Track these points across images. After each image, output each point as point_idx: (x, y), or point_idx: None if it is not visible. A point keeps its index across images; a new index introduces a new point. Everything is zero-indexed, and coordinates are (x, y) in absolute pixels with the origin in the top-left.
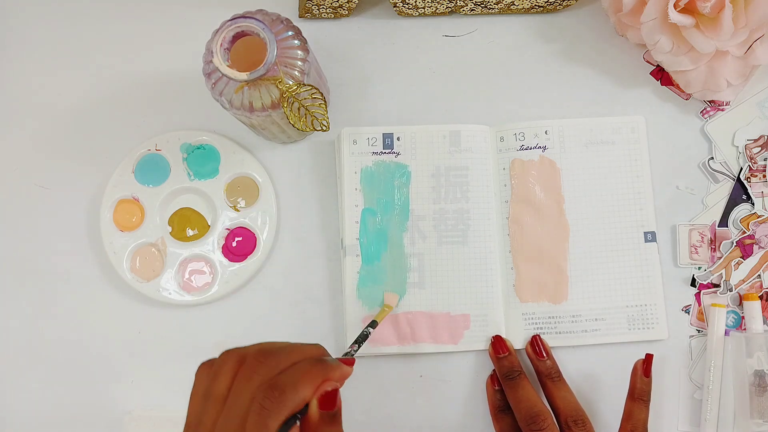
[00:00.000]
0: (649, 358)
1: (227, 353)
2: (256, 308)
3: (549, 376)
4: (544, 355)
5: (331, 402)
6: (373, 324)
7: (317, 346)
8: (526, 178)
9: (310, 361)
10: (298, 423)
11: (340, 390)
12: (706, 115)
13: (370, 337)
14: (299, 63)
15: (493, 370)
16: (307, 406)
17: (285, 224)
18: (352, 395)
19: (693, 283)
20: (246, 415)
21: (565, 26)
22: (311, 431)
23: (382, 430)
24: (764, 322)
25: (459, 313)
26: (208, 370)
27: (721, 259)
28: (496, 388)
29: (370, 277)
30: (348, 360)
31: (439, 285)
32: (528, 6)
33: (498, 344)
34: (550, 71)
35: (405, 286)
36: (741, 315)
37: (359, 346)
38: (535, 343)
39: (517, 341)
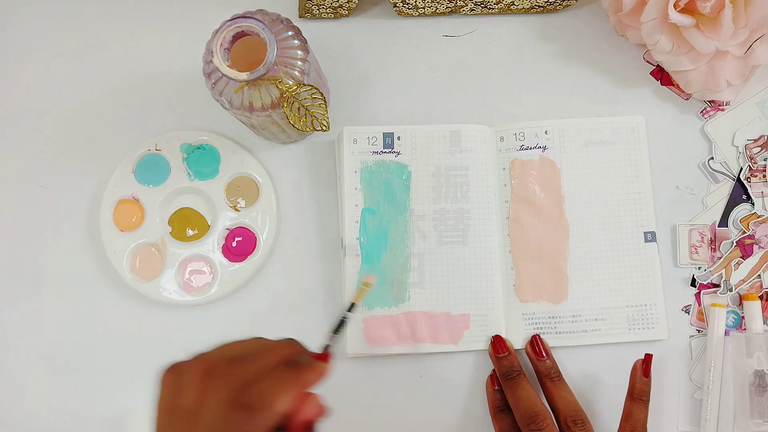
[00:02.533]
0: (648, 358)
1: (192, 363)
2: (256, 308)
3: (548, 376)
4: (544, 355)
5: (308, 426)
6: (351, 307)
7: (290, 342)
8: (526, 178)
9: (282, 368)
10: None
11: (328, 391)
12: (706, 115)
13: (368, 336)
14: (299, 63)
15: (493, 370)
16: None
17: (285, 224)
18: (352, 395)
19: (693, 283)
20: None
21: (565, 26)
22: None
23: (382, 430)
24: (764, 322)
25: (459, 313)
26: (172, 378)
27: (721, 259)
28: (496, 387)
29: None
30: (323, 355)
31: (439, 285)
32: (528, 6)
33: (498, 344)
34: (550, 71)
35: (405, 286)
36: (741, 315)
37: (338, 335)
38: (535, 343)
39: (517, 341)
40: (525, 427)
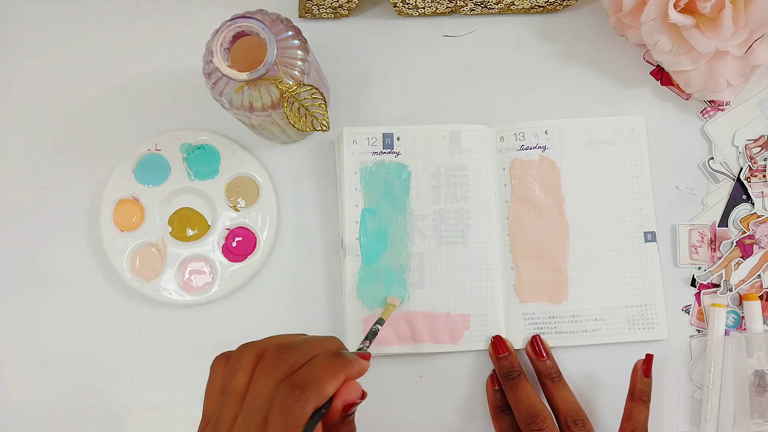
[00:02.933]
0: (649, 358)
1: (245, 348)
2: (256, 308)
3: (549, 376)
4: (544, 355)
5: (352, 407)
6: (381, 321)
7: (334, 339)
8: (526, 178)
9: (329, 355)
10: (320, 420)
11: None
12: (706, 115)
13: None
14: (299, 63)
15: (493, 370)
16: (329, 401)
17: (285, 224)
18: None
19: (693, 283)
20: (267, 413)
21: (565, 26)
22: (329, 427)
23: (382, 430)
24: (764, 322)
25: (459, 313)
26: (224, 364)
27: (721, 259)
28: (496, 388)
29: (370, 277)
30: (364, 354)
31: (439, 285)
32: (528, 6)
33: (498, 344)
34: (550, 71)
35: (405, 286)
36: (741, 315)
37: (370, 343)
38: (535, 343)
39: (517, 341)
40: (525, 427)
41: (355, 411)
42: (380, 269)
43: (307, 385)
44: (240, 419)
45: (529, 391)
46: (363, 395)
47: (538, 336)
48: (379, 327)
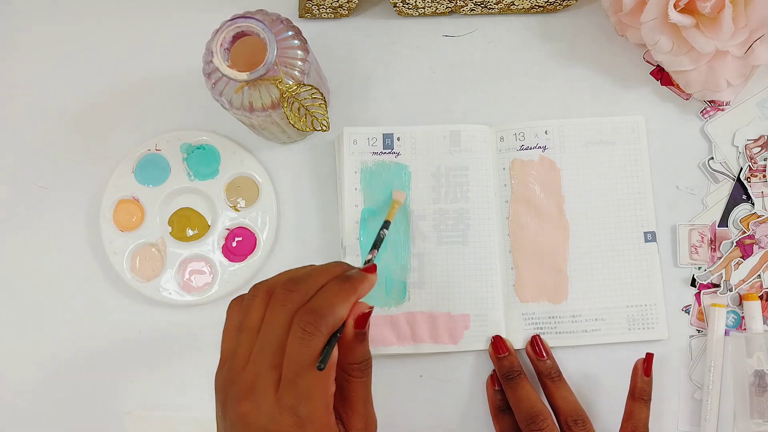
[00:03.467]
0: (649, 357)
1: (256, 286)
2: None
3: (549, 376)
4: (544, 355)
5: (365, 322)
6: (386, 224)
7: (339, 263)
8: (526, 178)
9: (339, 280)
10: (336, 343)
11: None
12: (706, 115)
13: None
14: (299, 63)
15: (493, 370)
16: (343, 324)
17: (285, 224)
18: None
19: (693, 283)
20: (283, 342)
21: (565, 26)
22: (344, 349)
23: (383, 430)
24: (764, 322)
25: (459, 313)
26: (239, 305)
27: (721, 259)
28: (496, 388)
29: None
30: (370, 268)
31: (439, 285)
32: (528, 6)
33: (498, 344)
34: (550, 71)
35: (405, 286)
36: (741, 315)
37: (378, 250)
38: (535, 343)
39: (517, 341)
40: (525, 427)
41: (368, 328)
42: (380, 269)
43: (321, 311)
44: (255, 351)
45: (529, 391)
46: (370, 308)
47: (538, 336)
48: (386, 231)
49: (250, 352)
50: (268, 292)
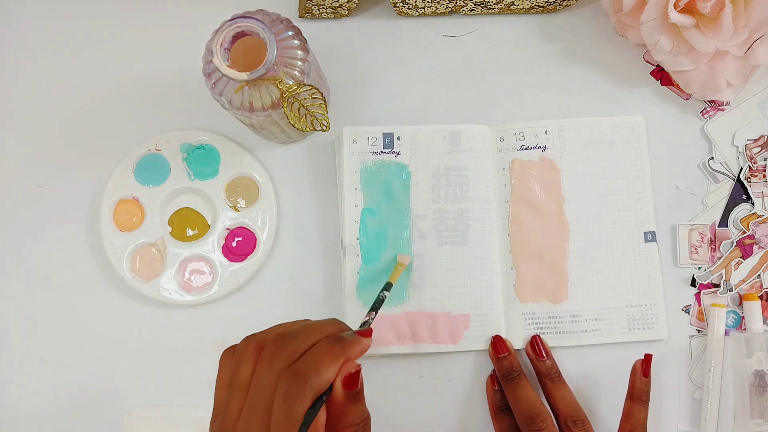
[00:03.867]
0: (648, 358)
1: (247, 340)
2: (256, 308)
3: (548, 377)
4: (544, 355)
5: (354, 382)
6: (388, 286)
7: (334, 321)
8: (526, 178)
9: (329, 340)
10: (323, 405)
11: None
12: (706, 115)
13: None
14: (299, 63)
15: (493, 370)
16: (331, 386)
17: (285, 224)
18: None
19: (693, 283)
20: (271, 402)
21: (565, 26)
22: (337, 411)
23: (383, 430)
24: (764, 322)
25: (459, 313)
26: (230, 357)
27: (721, 259)
28: (496, 388)
29: (370, 278)
30: (365, 332)
31: (439, 285)
32: (528, 6)
33: (498, 344)
34: (550, 71)
35: (405, 286)
36: (741, 315)
37: (376, 313)
38: (535, 343)
39: (517, 341)
40: (525, 427)
41: (361, 387)
42: (380, 269)
43: (306, 373)
44: (245, 410)
45: (529, 391)
46: (358, 366)
47: (538, 336)
48: (386, 293)
49: (240, 409)
50: (258, 346)
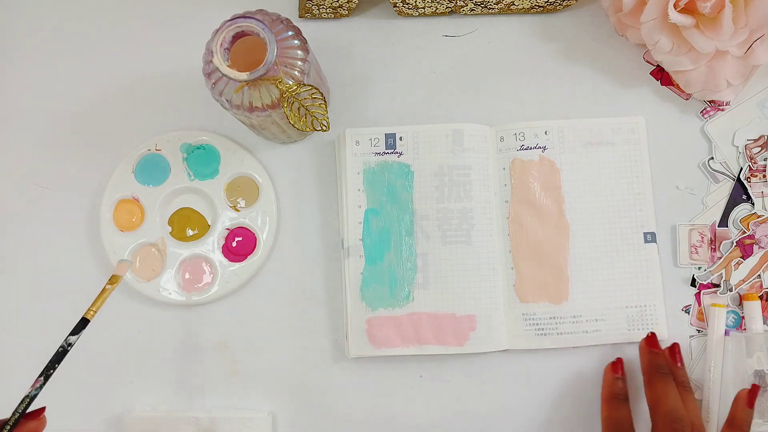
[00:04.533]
0: (755, 389)
1: None
2: (256, 308)
3: (682, 384)
4: (682, 362)
5: None
6: (84, 323)
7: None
8: (526, 178)
9: None
10: None
11: None
12: (706, 115)
13: (372, 337)
14: (299, 63)
15: (617, 359)
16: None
17: (285, 224)
18: (353, 396)
19: (693, 283)
20: None
21: (565, 26)
22: None
23: (382, 430)
24: (764, 322)
25: (464, 313)
26: None
27: (721, 259)
28: (618, 375)
29: (374, 278)
30: (32, 414)
31: (443, 285)
32: (528, 6)
33: (654, 339)
34: (550, 71)
35: (410, 287)
36: (741, 315)
37: (46, 377)
38: (676, 350)
39: (518, 341)
40: (666, 424)
41: None
42: (384, 270)
43: None
44: None
45: (676, 392)
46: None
47: (678, 345)
48: (73, 339)
49: None
50: None
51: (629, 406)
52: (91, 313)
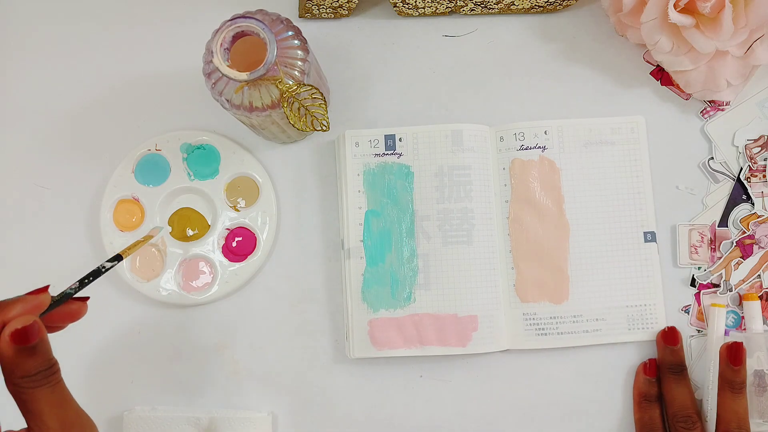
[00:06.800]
0: (736, 345)
1: None
2: (256, 308)
3: (733, 386)
4: (740, 363)
5: (25, 336)
6: (117, 258)
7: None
8: (526, 178)
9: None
10: None
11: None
12: (706, 115)
13: (374, 338)
14: (299, 63)
15: (649, 360)
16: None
17: (285, 224)
18: (352, 395)
19: (693, 283)
20: None
21: (565, 26)
22: (8, 365)
23: (382, 430)
24: (764, 322)
25: (466, 314)
26: None
27: (721, 259)
28: (648, 377)
29: (375, 280)
30: (38, 290)
31: (445, 286)
32: (528, 6)
33: (672, 335)
34: (550, 71)
35: (411, 288)
36: (741, 315)
37: (82, 284)
38: (736, 350)
39: (518, 341)
40: (675, 422)
41: (39, 341)
42: (385, 271)
43: None
44: None
45: (691, 391)
46: (33, 321)
47: (740, 344)
48: (107, 265)
49: None
50: None
51: (660, 407)
52: (126, 252)
